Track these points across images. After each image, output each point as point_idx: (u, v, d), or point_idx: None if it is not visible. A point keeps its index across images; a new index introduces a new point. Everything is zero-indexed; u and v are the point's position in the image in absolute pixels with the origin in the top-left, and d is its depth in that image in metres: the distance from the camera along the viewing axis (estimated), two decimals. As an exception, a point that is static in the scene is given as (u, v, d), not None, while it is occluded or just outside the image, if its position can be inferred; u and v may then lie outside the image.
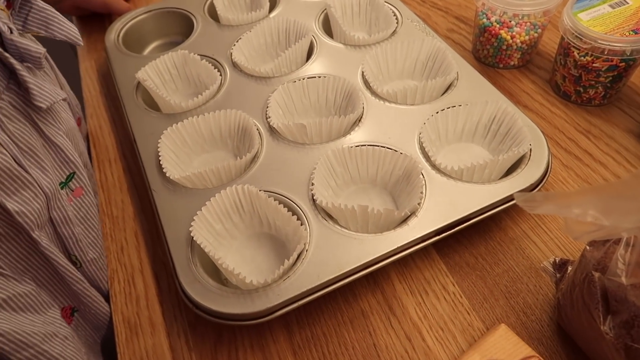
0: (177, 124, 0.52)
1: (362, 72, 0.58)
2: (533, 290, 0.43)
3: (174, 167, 0.51)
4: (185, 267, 0.42)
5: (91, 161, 0.59)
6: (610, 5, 0.54)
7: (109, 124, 0.63)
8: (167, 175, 0.48)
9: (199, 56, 0.61)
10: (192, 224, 0.43)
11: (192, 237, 0.43)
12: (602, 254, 0.36)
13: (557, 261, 0.45)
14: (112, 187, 0.56)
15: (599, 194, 0.31)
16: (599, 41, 0.51)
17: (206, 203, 0.45)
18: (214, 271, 0.45)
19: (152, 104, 0.59)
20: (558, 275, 0.44)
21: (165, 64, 0.61)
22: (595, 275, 0.35)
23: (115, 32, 0.68)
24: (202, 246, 0.42)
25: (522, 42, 0.60)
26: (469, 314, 0.42)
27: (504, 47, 0.61)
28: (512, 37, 0.60)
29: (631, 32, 0.50)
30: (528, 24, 0.58)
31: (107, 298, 0.48)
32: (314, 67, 0.60)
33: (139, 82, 0.60)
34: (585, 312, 0.36)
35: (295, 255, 0.42)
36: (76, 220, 0.47)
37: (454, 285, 0.44)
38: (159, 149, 0.50)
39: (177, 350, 0.42)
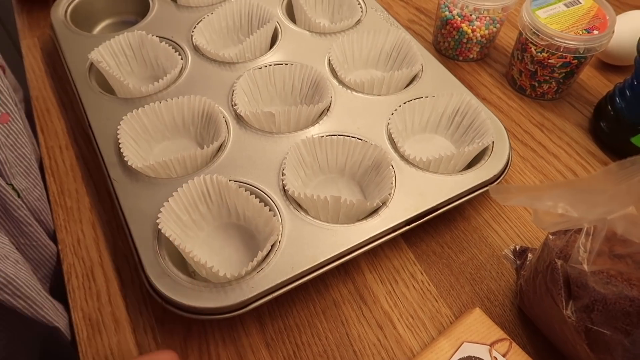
0: (137, 109, 0.50)
1: (329, 60, 0.57)
2: (496, 277, 0.45)
3: (135, 156, 0.49)
4: (153, 260, 0.41)
5: (38, 145, 0.55)
6: (565, 4, 0.56)
7: (58, 107, 0.59)
8: (129, 164, 0.46)
9: (157, 38, 0.58)
10: (159, 215, 0.41)
11: (159, 230, 0.41)
12: (564, 243, 0.38)
13: (517, 249, 0.47)
14: (64, 175, 0.52)
15: (569, 188, 0.33)
16: (556, 38, 0.53)
17: (173, 194, 0.43)
18: (181, 263, 0.44)
19: (106, 87, 0.56)
20: (518, 262, 0.46)
21: (120, 44, 0.58)
22: (558, 263, 0.37)
23: (63, 7, 0.64)
24: (171, 239, 0.40)
25: (481, 36, 0.62)
26: (437, 301, 0.44)
27: (465, 40, 0.62)
28: (472, 31, 0.61)
29: (584, 31, 0.53)
30: (488, 18, 0.60)
31: (52, 237, 0.47)
32: (279, 53, 0.59)
33: (92, 64, 0.57)
34: (548, 297, 0.38)
35: (268, 246, 0.41)
36: (6, 145, 0.47)
37: (422, 273, 0.45)
38: (118, 136, 0.47)
39: (145, 347, 0.41)
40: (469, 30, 0.61)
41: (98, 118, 0.51)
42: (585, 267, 0.35)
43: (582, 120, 0.59)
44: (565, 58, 0.55)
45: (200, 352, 0.41)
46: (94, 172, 0.52)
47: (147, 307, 0.43)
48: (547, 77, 0.57)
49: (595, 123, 0.57)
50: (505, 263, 0.46)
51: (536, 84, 0.59)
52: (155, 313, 0.43)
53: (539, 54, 0.56)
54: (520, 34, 0.58)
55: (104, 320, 0.42)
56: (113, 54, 0.57)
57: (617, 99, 0.54)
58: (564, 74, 0.57)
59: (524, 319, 0.43)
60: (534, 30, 0.55)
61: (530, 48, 0.56)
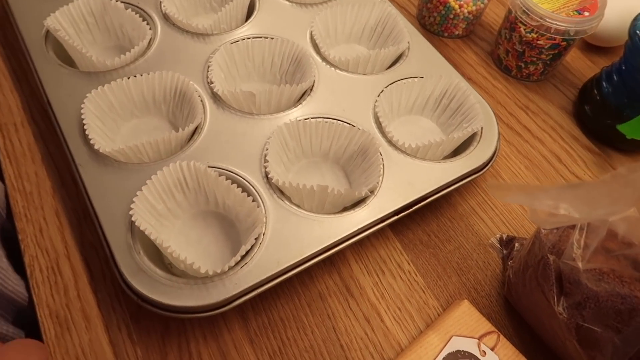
0: (103, 86, 0.45)
1: (312, 35, 0.54)
2: (482, 267, 0.45)
3: (102, 137, 0.45)
4: (127, 255, 0.38)
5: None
6: (556, -17, 0.54)
7: (10, 79, 0.53)
8: (96, 147, 0.42)
9: (122, 4, 0.52)
10: (132, 206, 0.38)
11: (133, 222, 0.38)
12: (557, 238, 0.37)
13: (503, 238, 0.47)
14: (21, 156, 0.48)
15: (572, 190, 0.32)
16: (547, 19, 0.51)
17: (147, 182, 0.40)
18: (156, 255, 0.41)
19: (66, 58, 0.51)
20: (505, 251, 0.46)
21: (80, 10, 0.52)
22: (551, 259, 0.37)
23: (12, -35, 0.57)
24: (146, 232, 0.37)
25: (469, 12, 0.59)
26: (424, 292, 0.43)
27: (451, 16, 0.60)
28: (459, 7, 0.59)
29: (575, 12, 0.52)
30: (475, -6, 0.58)
31: None
32: (257, 25, 0.54)
33: (48, 31, 0.51)
34: (538, 292, 0.38)
35: (252, 240, 0.39)
36: None
37: (409, 263, 0.44)
38: (82, 116, 0.43)
39: (119, 345, 0.38)
40: (456, 6, 0.59)
41: (58, 94, 0.47)
42: (579, 264, 0.35)
43: (567, 103, 0.58)
44: (555, 40, 0.53)
45: (180, 351, 0.38)
46: (55, 153, 0.48)
47: (121, 302, 0.40)
48: (535, 59, 0.56)
49: (579, 107, 0.56)
50: (491, 252, 0.46)
51: (522, 65, 0.58)
52: (130, 309, 0.40)
53: (528, 34, 0.54)
54: (510, 11, 0.56)
55: (73, 317, 0.39)
56: (72, 21, 0.52)
57: (604, 83, 0.53)
58: (551, 56, 0.55)
59: (511, 309, 0.43)
60: (524, 9, 0.53)
61: (520, 28, 0.54)
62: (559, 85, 0.60)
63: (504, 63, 0.60)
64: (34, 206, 0.45)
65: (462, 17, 0.60)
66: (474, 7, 0.59)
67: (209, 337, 0.39)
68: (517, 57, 0.57)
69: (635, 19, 0.48)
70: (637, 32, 0.47)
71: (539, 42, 0.54)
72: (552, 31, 0.52)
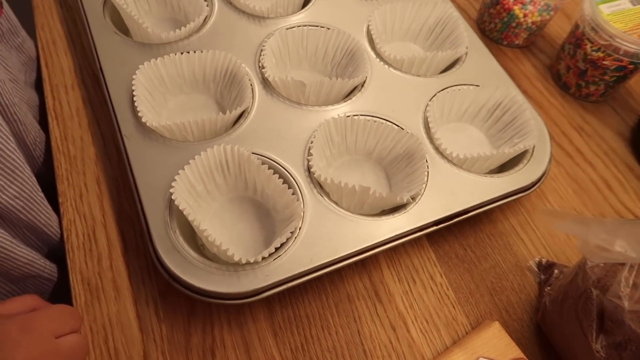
0: (156, 59, 0.45)
1: (369, 29, 0.52)
2: (517, 289, 0.43)
3: (149, 111, 0.45)
4: (163, 232, 0.38)
5: (42, 83, 0.50)
6: (632, 2, 0.52)
7: (65, 40, 0.53)
8: (144, 120, 0.42)
9: (181, -24, 0.52)
10: (173, 184, 0.38)
11: (172, 200, 0.38)
12: (603, 273, 0.36)
13: (542, 262, 0.45)
14: (68, 119, 0.48)
15: (630, 227, 0.30)
16: (617, 39, 0.49)
17: (190, 162, 0.40)
18: (190, 235, 0.41)
19: (122, 25, 0.51)
20: (543, 276, 0.44)
21: (140, -22, 0.52)
22: (594, 293, 0.35)
23: None
24: (184, 212, 0.37)
25: (532, 22, 0.57)
26: (454, 307, 0.42)
27: (514, 25, 0.58)
28: (524, 15, 0.56)
29: (649, 35, 0.49)
30: (542, 4, 0.55)
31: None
32: (313, 13, 0.53)
33: (107, -3, 0.51)
34: (576, 325, 0.36)
35: (288, 233, 0.38)
36: None
37: (441, 276, 0.43)
38: (133, 88, 0.43)
39: (145, 320, 0.39)
40: (521, 14, 0.56)
41: (111, 62, 0.47)
42: (625, 303, 0.33)
43: (624, 128, 0.55)
44: (622, 61, 0.51)
45: (203, 334, 0.38)
46: (102, 120, 0.48)
47: (151, 277, 0.40)
48: (597, 79, 0.53)
49: (637, 135, 0.54)
50: (528, 275, 0.44)
51: (583, 84, 0.55)
52: (159, 285, 0.40)
53: (593, 52, 0.51)
54: (577, 26, 0.53)
55: (104, 286, 0.40)
56: (131, -12, 0.52)
57: (668, 113, 0.50)
58: (615, 78, 0.53)
59: (542, 337, 0.41)
60: (593, 25, 0.50)
61: (586, 45, 0.52)
62: (618, 109, 0.57)
63: (562, 79, 0.57)
64: (76, 170, 0.45)
65: (525, 26, 0.57)
66: (539, 18, 0.56)
67: (234, 325, 0.39)
68: (579, 75, 0.55)
69: None
70: None
71: (604, 62, 0.51)
72: (620, 52, 0.49)
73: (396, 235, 0.40)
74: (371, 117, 0.45)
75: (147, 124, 0.42)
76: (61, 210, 0.43)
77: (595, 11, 0.50)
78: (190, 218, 0.37)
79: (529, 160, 0.46)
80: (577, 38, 0.53)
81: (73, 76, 0.51)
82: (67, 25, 0.55)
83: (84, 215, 0.43)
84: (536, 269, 0.45)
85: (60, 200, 0.43)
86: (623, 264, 0.34)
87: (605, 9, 0.51)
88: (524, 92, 0.56)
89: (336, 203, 0.42)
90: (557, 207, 0.48)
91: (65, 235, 0.42)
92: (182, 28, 0.48)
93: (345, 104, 0.47)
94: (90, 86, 0.50)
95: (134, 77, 0.44)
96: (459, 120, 0.51)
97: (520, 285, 0.44)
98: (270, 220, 0.43)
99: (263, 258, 0.37)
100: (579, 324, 0.36)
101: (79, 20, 0.54)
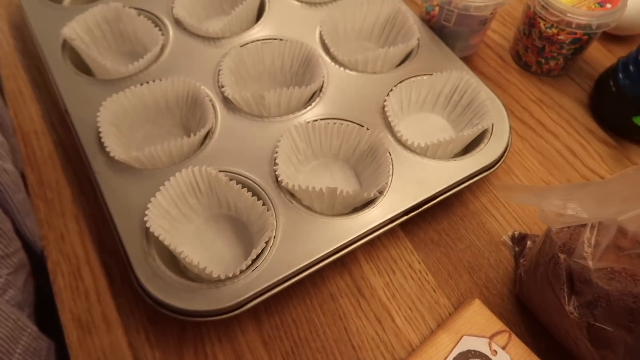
0: (117, 93, 0.46)
1: (321, 34, 0.54)
2: (494, 265, 0.45)
3: (117, 144, 0.46)
4: (142, 260, 0.39)
5: (14, 132, 0.52)
6: (571, -26, 0.53)
7: (31, 88, 0.55)
8: (112, 155, 0.43)
9: (134, 10, 0.53)
10: (146, 212, 0.39)
11: (148, 228, 0.39)
12: (567, 236, 0.37)
13: (515, 235, 0.46)
14: (42, 164, 0.49)
15: (581, 189, 0.31)
16: (568, 14, 0.50)
17: (160, 188, 0.41)
18: (171, 260, 0.42)
19: (82, 65, 0.52)
20: (517, 249, 0.46)
21: (95, 18, 0.53)
22: (561, 257, 0.37)
23: (28, -24, 0.58)
24: (160, 238, 0.38)
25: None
26: (435, 291, 0.43)
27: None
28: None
29: (597, 5, 0.50)
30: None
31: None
32: (267, 26, 0.55)
33: (65, 40, 0.52)
34: (549, 290, 0.38)
35: (262, 244, 0.39)
36: None
37: (419, 263, 0.45)
38: (98, 124, 0.44)
39: (138, 348, 0.40)
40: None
41: (75, 103, 0.48)
42: (590, 263, 0.35)
43: (582, 95, 0.57)
44: (576, 34, 0.52)
45: (196, 353, 0.40)
46: (74, 160, 0.49)
47: (139, 306, 0.42)
48: (555, 54, 0.55)
49: (595, 99, 0.55)
50: (503, 250, 0.45)
51: (543, 60, 0.56)
52: (147, 313, 0.41)
53: (547, 29, 0.53)
54: (528, 7, 0.55)
55: (94, 320, 0.41)
56: (88, 29, 0.53)
57: (620, 74, 0.52)
58: (572, 50, 0.54)
59: (523, 308, 0.42)
60: (543, 4, 0.52)
61: (539, 23, 0.53)
62: (575, 77, 0.58)
63: (523, 59, 0.58)
64: (55, 213, 0.46)
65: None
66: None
67: (224, 340, 0.40)
68: (537, 53, 0.56)
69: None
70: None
71: (559, 37, 0.53)
72: (573, 26, 0.51)
73: (368, 229, 0.41)
74: (331, 120, 0.46)
75: (116, 158, 0.43)
76: (45, 253, 0.44)
77: (538, -12, 0.52)
78: (166, 243, 0.38)
79: (489, 139, 0.47)
80: (529, 18, 0.55)
81: (42, 122, 0.52)
82: (32, 73, 0.56)
83: (67, 255, 0.44)
84: (510, 243, 0.46)
85: (43, 244, 0.45)
86: (584, 226, 0.36)
87: (547, -16, 0.52)
88: (481, 73, 0.58)
89: (309, 208, 0.43)
90: (525, 181, 0.49)
91: (51, 277, 0.43)
92: (140, 60, 0.50)
93: (305, 110, 0.48)
94: (60, 129, 0.52)
95: (97, 114, 0.45)
96: (420, 111, 0.53)
97: (497, 261, 0.45)
98: (247, 234, 0.44)
99: (241, 271, 0.38)
100: (551, 289, 0.37)
101: (41, 67, 0.56)
